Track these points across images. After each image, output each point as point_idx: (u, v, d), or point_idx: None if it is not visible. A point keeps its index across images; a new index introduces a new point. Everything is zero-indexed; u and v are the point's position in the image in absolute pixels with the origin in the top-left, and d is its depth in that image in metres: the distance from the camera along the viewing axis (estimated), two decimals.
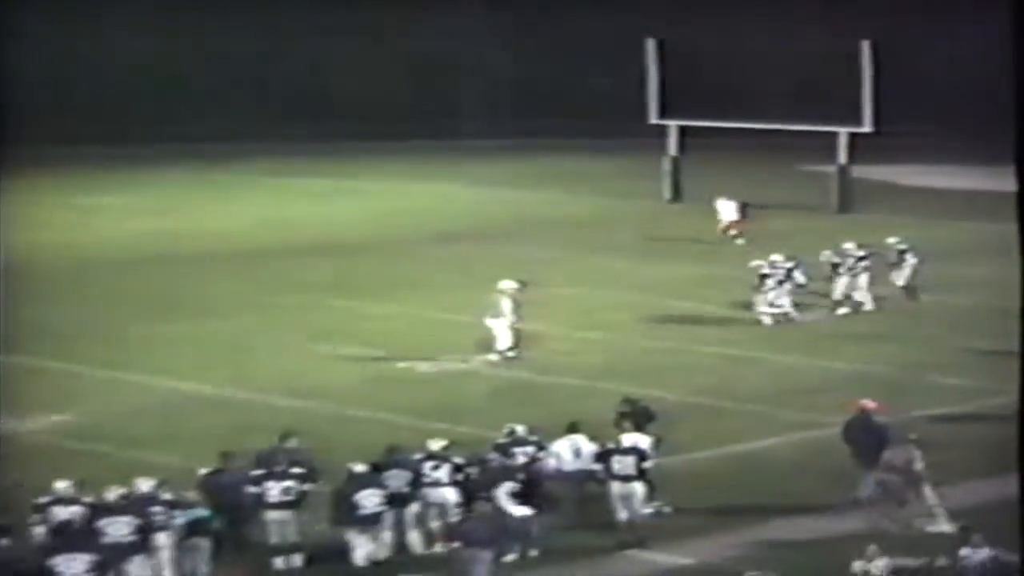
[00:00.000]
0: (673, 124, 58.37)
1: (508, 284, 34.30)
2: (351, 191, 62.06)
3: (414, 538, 22.97)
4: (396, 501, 22.85)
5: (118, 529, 20.86)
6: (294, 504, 22.44)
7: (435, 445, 23.48)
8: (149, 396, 31.31)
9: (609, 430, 24.61)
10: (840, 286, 39.18)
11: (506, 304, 33.90)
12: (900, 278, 39.95)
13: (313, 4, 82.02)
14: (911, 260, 40.02)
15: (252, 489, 22.45)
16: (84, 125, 73.49)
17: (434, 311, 36.27)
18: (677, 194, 58.28)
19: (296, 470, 22.73)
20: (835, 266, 39.31)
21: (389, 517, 22.77)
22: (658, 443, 24.71)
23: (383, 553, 22.58)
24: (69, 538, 20.31)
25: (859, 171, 56.41)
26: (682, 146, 58.52)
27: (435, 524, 23.05)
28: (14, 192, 60.99)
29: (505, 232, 51.18)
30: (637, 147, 60.69)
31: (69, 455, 25.99)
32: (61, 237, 51.11)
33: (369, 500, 22.56)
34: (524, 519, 22.23)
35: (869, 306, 39.20)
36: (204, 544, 21.70)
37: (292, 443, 23.97)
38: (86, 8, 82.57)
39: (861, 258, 39.44)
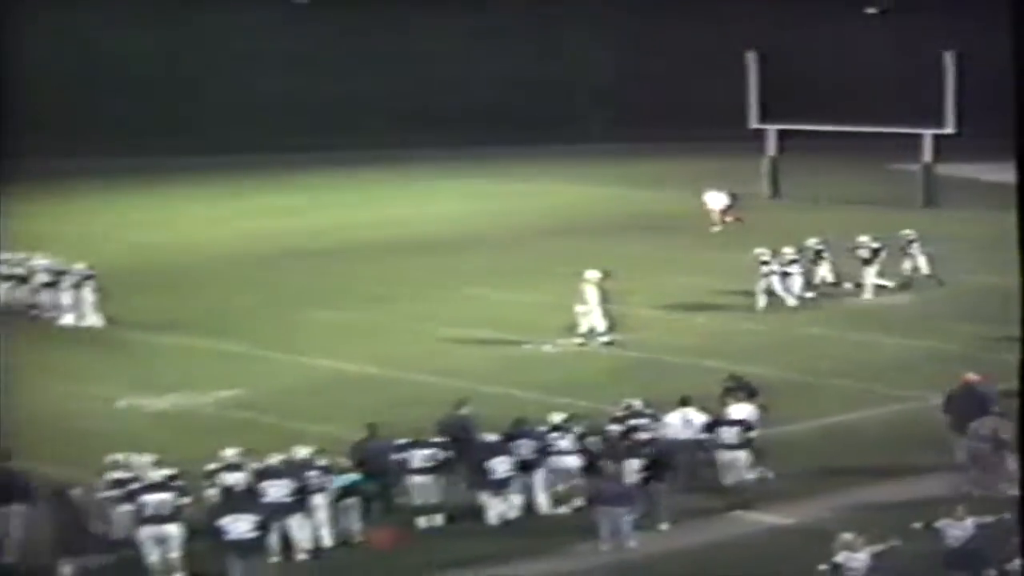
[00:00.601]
0: (771, 128, 58.23)
1: (592, 274, 34.31)
2: (479, 192, 62.14)
3: (541, 500, 23.12)
4: (524, 467, 23.03)
5: (279, 491, 21.17)
6: (435, 470, 22.64)
7: (558, 417, 23.66)
8: (306, 374, 31.57)
9: (715, 404, 24.76)
10: (871, 274, 38.69)
11: (591, 292, 33.90)
12: (922, 266, 39.26)
13: (439, 19, 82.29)
14: (919, 249, 39.42)
15: (397, 456, 22.69)
16: (258, 136, 74.22)
17: (553, 298, 36.29)
18: (775, 191, 58.09)
19: (437, 439, 22.94)
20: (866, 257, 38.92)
21: (518, 482, 22.94)
22: (762, 413, 24.80)
23: (513, 513, 22.72)
24: (235, 500, 20.61)
25: (944, 169, 55.86)
26: (780, 147, 58.33)
27: (559, 488, 23.23)
28: (199, 195, 62.23)
29: (616, 227, 51.08)
30: (738, 150, 60.32)
31: (237, 426, 26.30)
32: (229, 233, 51.69)
33: (500, 467, 22.73)
34: (646, 484, 22.26)
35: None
36: (355, 505, 21.97)
37: (465, 410, 24.45)
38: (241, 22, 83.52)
39: (876, 250, 38.94)
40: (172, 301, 38.69)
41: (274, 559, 20.51)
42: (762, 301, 36.93)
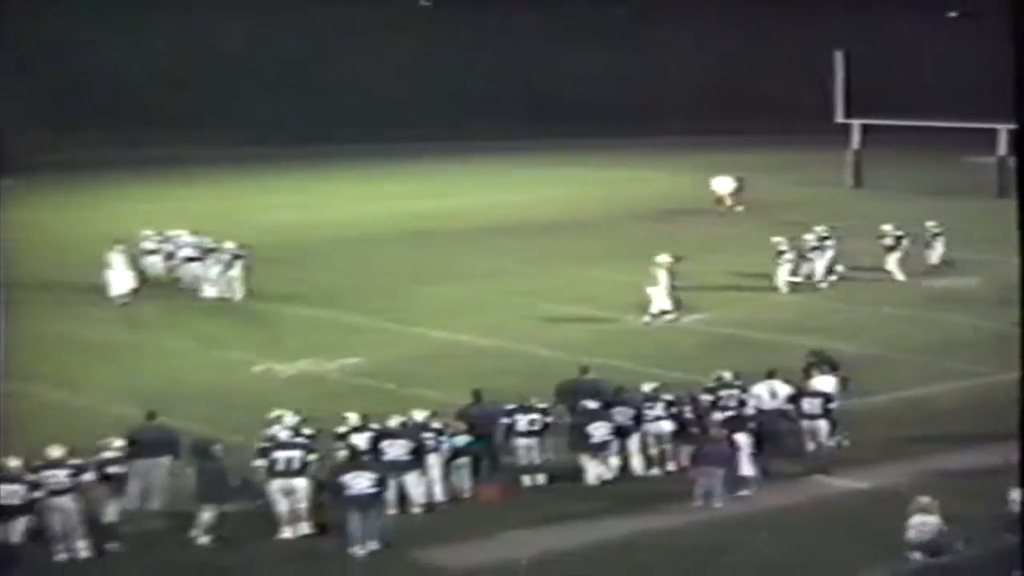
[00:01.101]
0: (856, 123, 57.86)
1: (663, 258, 34.18)
2: (583, 179, 62.18)
3: (636, 462, 23.12)
4: (621, 432, 23.04)
5: (397, 451, 21.28)
6: (538, 433, 22.70)
7: (650, 387, 23.67)
8: (422, 344, 31.76)
9: (798, 377, 24.68)
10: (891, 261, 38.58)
11: (661, 275, 33.75)
12: (933, 256, 39.45)
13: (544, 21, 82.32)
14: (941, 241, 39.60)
15: (504, 420, 22.77)
16: (386, 127, 74.77)
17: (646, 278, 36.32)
18: (858, 182, 57.73)
19: (542, 405, 22.98)
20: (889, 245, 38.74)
21: (615, 445, 22.96)
22: (843, 386, 24.71)
23: (610, 475, 22.73)
24: (357, 458, 20.77)
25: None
26: (863, 141, 57.96)
27: (653, 451, 23.22)
28: (331, 181, 62.83)
29: (704, 212, 51.06)
30: (824, 143, 59.94)
31: (359, 391, 26.48)
32: (359, 216, 52.15)
33: (599, 431, 22.73)
34: (737, 449, 22.20)
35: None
36: (466, 464, 22.08)
37: (589, 375, 24.69)
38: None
39: (899, 238, 38.87)
40: (304, 276, 39.21)
41: (391, 512, 20.62)
42: (784, 287, 36.95)
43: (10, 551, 19.30)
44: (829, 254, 38.43)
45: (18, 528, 19.44)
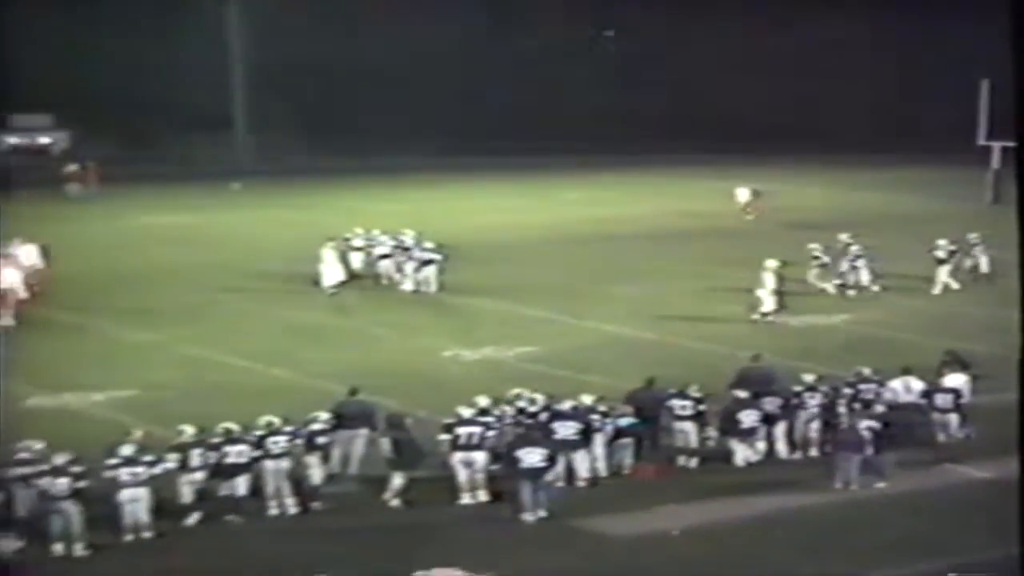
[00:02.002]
0: (996, 144, 56.54)
1: (771, 263, 33.72)
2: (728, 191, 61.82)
3: (781, 447, 22.91)
4: (769, 419, 22.86)
5: (566, 430, 21.33)
6: (695, 417, 22.61)
7: (810, 378, 23.44)
8: (594, 336, 31.77)
9: (932, 374, 24.28)
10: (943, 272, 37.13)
11: (768, 278, 33.31)
12: (983, 266, 37.84)
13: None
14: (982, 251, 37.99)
15: (667, 404, 22.70)
16: (571, 143, 75.10)
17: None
18: (996, 198, 56.33)
19: (695, 394, 22.88)
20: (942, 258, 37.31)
21: (762, 431, 22.79)
22: (974, 383, 24.23)
23: (756, 458, 22.59)
24: (529, 435, 20.87)
25: None
26: (1003, 161, 56.62)
27: (798, 436, 22.99)
28: (517, 188, 63.20)
29: (855, 223, 50.17)
30: (966, 162, 58.69)
31: (534, 376, 26.41)
32: (540, 220, 52.34)
33: (748, 418, 22.59)
34: (864, 433, 21.88)
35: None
36: (628, 443, 22.07)
37: (761, 362, 24.77)
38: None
39: (952, 252, 37.46)
40: (492, 273, 39.33)
41: (558, 484, 20.69)
42: (825, 288, 36.42)
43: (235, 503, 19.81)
44: (863, 262, 37.35)
45: (242, 484, 19.95)
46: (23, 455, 19.37)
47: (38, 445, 19.60)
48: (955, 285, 37.08)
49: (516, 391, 22.40)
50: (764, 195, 53.46)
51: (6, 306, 32.87)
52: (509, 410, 21.77)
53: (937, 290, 36.85)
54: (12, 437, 22.43)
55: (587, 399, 22.05)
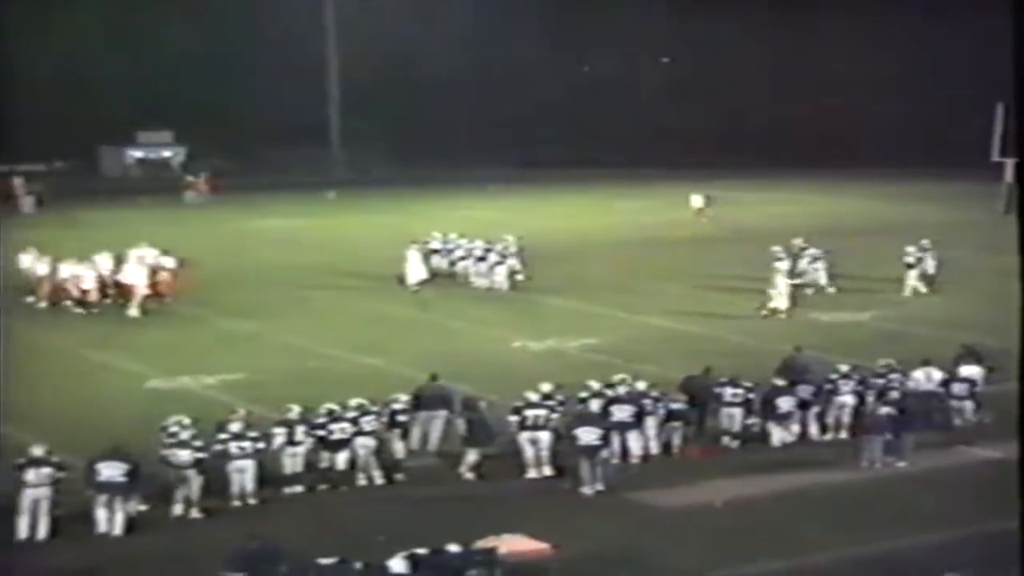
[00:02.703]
0: (1009, 160, 55.96)
1: (782, 265, 33.80)
2: (780, 199, 61.34)
3: (813, 430, 22.82)
4: (803, 405, 22.77)
5: (622, 412, 21.36)
6: (741, 404, 22.53)
7: (845, 367, 23.38)
8: (647, 329, 31.74)
9: (950, 365, 24.14)
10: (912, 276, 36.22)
11: (780, 279, 33.43)
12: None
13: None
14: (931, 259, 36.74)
15: (716, 390, 22.60)
16: (626, 157, 74.90)
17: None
18: (1009, 208, 55.57)
19: (746, 383, 22.73)
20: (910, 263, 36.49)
21: (797, 415, 22.70)
22: (988, 373, 24.02)
23: (791, 439, 22.52)
24: (587, 417, 20.91)
25: None
26: (1018, 174, 55.89)
27: (830, 420, 22.89)
28: (565, 198, 63.14)
29: (886, 230, 49.89)
30: (980, 177, 58.04)
31: (592, 364, 26.56)
32: (592, 226, 52.32)
33: (785, 403, 22.53)
34: (887, 418, 21.76)
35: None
36: (678, 426, 22.05)
37: (804, 353, 24.81)
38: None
39: (920, 258, 36.50)
40: (557, 273, 39.30)
41: (614, 461, 20.74)
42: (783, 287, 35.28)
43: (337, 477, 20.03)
44: (821, 264, 36.84)
45: (342, 457, 20.13)
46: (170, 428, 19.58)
47: (185, 420, 19.84)
48: (923, 288, 36.19)
49: (620, 376, 22.28)
50: (715, 201, 54.52)
51: (132, 300, 33.42)
52: (621, 391, 21.74)
53: (907, 292, 35.99)
54: (134, 414, 22.96)
55: (640, 384, 22.04)
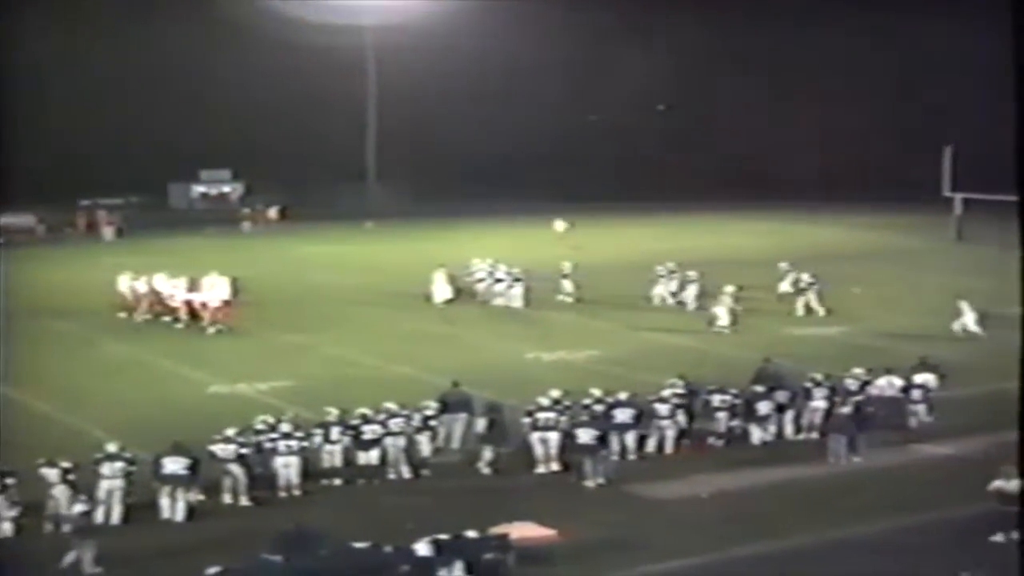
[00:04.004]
0: (958, 196, 55.97)
1: (728, 288, 33.39)
2: (779, 230, 61.11)
3: (789, 430, 22.71)
4: (780, 408, 22.67)
5: (623, 416, 21.31)
6: (728, 409, 22.34)
7: (820, 375, 23.20)
8: (643, 343, 31.49)
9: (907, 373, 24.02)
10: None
11: (725, 299, 33.17)
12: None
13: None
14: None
15: (706, 397, 22.43)
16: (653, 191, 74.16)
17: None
18: (960, 236, 55.37)
19: (732, 390, 22.57)
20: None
21: (775, 417, 22.60)
22: (941, 381, 23.95)
23: (768, 438, 22.42)
24: (587, 420, 20.81)
25: None
26: (965, 208, 55.73)
27: (804, 422, 22.76)
28: (575, 228, 62.84)
29: (860, 256, 49.67)
30: (934, 209, 57.80)
31: (597, 374, 26.36)
32: (600, 251, 51.85)
33: (764, 407, 22.47)
34: (850, 420, 21.66)
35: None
36: (671, 425, 21.82)
37: (774, 363, 24.55)
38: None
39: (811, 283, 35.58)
40: (566, 293, 38.86)
41: (614, 458, 20.68)
42: (657, 301, 36.01)
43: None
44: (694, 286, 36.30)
45: (374, 454, 20.09)
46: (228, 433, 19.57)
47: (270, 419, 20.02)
48: (821, 311, 35.11)
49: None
50: (576, 227, 54.15)
51: (207, 318, 33.43)
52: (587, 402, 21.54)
53: (800, 312, 34.96)
54: (196, 415, 23.01)
55: (670, 389, 21.99)
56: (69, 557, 16.41)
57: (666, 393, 22.07)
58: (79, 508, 17.07)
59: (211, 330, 33.05)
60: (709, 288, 35.86)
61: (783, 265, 38.14)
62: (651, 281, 37.19)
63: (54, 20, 67.64)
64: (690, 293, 36.38)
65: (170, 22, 71.21)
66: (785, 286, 36.83)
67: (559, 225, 54.95)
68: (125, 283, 35.73)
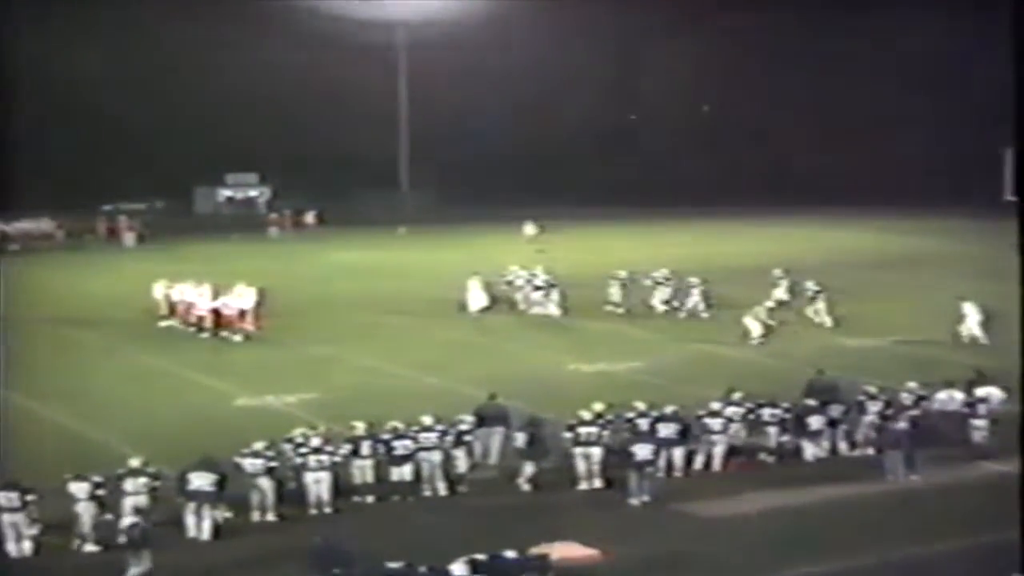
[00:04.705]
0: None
1: (766, 304, 33.57)
2: (818, 236, 60.64)
3: (843, 446, 22.43)
4: (833, 423, 22.41)
5: (668, 430, 21.09)
6: (779, 423, 22.10)
7: (873, 389, 23.00)
8: (690, 353, 31.34)
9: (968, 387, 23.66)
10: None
11: (760, 311, 33.11)
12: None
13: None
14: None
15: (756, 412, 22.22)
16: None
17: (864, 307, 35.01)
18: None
19: (783, 404, 22.34)
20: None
21: (828, 432, 22.35)
22: (1004, 395, 23.56)
23: (822, 453, 22.16)
24: (639, 434, 20.71)
25: None
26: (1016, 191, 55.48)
27: (858, 437, 22.50)
28: (616, 235, 62.67)
29: (911, 263, 49.17)
30: (997, 215, 57.16)
31: (639, 386, 26.18)
32: (638, 259, 51.52)
33: (816, 421, 22.21)
34: (906, 435, 21.35)
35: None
36: (720, 440, 21.61)
37: (826, 376, 24.21)
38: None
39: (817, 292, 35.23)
40: (602, 301, 38.63)
41: (659, 475, 20.49)
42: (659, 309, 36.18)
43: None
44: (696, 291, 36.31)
45: (407, 470, 20.01)
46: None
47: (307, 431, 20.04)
48: (828, 322, 34.76)
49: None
50: (546, 230, 55.51)
51: (233, 327, 33.51)
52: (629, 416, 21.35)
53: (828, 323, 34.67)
54: (223, 429, 23.00)
55: (717, 403, 21.82)
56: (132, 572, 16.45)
57: (716, 407, 21.87)
58: (128, 521, 17.00)
59: (237, 339, 33.13)
60: (726, 296, 35.83)
61: (776, 272, 37.96)
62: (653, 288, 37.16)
63: (76, 20, 68.23)
64: (691, 301, 36.41)
65: (194, 20, 71.71)
66: (780, 293, 36.76)
67: (528, 229, 56.64)
68: (160, 291, 36.21)
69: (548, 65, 79.00)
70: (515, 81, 78.51)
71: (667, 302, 36.90)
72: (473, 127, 78.38)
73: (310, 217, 68.98)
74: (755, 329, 32.57)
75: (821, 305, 35.16)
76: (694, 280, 36.76)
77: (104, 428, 23.94)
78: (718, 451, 21.54)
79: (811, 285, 35.84)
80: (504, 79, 77.88)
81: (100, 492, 18.01)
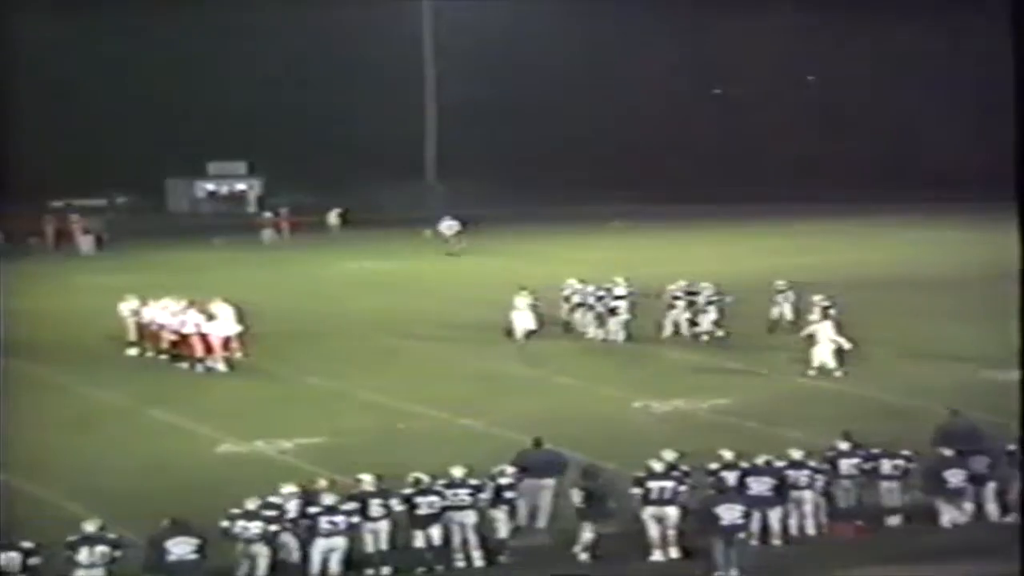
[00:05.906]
0: None
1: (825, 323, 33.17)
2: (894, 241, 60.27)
3: (991, 508, 22.10)
4: (976, 479, 22.09)
5: (760, 485, 20.87)
6: (900, 477, 21.83)
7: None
8: (786, 388, 31.05)
9: None
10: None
11: (821, 333, 32.95)
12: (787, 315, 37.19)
13: None
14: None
15: (867, 464, 21.93)
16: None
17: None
18: None
19: (904, 452, 22.08)
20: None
21: (971, 491, 22.02)
22: None
23: (963, 519, 21.81)
24: (725, 491, 20.50)
25: None
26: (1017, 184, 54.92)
27: (1012, 497, 22.12)
28: (694, 237, 62.56)
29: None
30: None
31: (724, 428, 26.22)
32: (725, 270, 51.48)
33: (955, 477, 21.86)
34: None
35: None
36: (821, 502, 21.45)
37: (963, 417, 23.77)
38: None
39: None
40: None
41: (752, 542, 20.25)
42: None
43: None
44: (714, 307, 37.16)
45: (435, 534, 19.93)
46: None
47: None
48: (846, 345, 33.71)
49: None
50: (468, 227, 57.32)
51: (214, 356, 33.63)
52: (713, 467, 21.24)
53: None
54: (203, 483, 22.98)
55: (796, 454, 21.49)
56: None
57: (832, 453, 21.71)
58: None
59: (221, 368, 33.22)
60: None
61: (779, 283, 37.99)
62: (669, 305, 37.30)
63: None
64: (706, 320, 37.00)
65: None
66: (784, 311, 37.21)
67: (450, 227, 58.25)
68: (126, 310, 36.15)
69: (604, 29, 79.15)
70: (566, 48, 78.69)
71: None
72: (517, 101, 78.54)
73: (333, 216, 68.08)
74: (826, 357, 32.26)
75: (831, 324, 33.93)
76: (817, 298, 35.78)
77: (52, 484, 23.97)
78: (823, 511, 21.27)
79: (818, 299, 35.17)
80: (551, 44, 78.06)
81: (34, 561, 17.93)
